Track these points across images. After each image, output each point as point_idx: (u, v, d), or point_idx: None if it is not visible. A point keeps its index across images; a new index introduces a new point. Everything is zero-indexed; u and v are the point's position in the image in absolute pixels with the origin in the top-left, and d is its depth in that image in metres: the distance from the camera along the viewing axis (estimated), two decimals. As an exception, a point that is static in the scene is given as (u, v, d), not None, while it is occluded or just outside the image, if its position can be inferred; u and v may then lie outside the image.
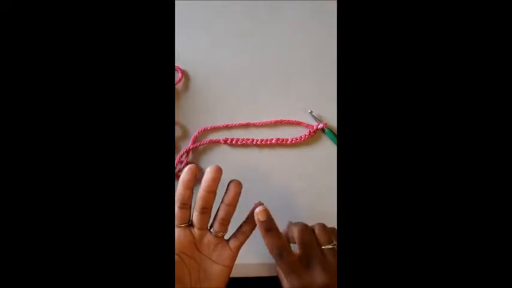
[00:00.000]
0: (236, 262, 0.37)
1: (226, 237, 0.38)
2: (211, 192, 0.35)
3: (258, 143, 0.47)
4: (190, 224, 0.37)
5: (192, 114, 0.48)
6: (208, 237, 0.36)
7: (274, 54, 0.50)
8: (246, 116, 0.48)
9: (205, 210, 0.36)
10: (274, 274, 0.41)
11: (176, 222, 0.36)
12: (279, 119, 0.48)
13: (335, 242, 0.37)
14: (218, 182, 0.35)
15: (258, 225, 0.36)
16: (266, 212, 0.36)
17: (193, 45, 0.50)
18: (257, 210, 0.36)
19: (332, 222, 0.39)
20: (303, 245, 0.36)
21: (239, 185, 0.36)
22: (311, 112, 0.48)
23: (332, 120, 0.48)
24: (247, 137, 0.47)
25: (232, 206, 0.36)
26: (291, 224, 0.39)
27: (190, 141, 0.47)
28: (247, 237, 0.37)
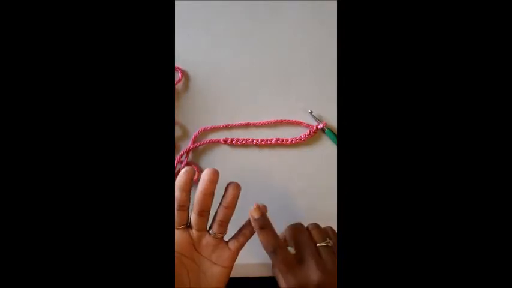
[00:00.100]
0: (236, 262, 0.37)
1: (226, 238, 0.38)
2: (208, 194, 0.35)
3: (258, 143, 0.47)
4: (188, 226, 0.37)
5: (192, 114, 0.48)
6: (207, 239, 0.36)
7: (274, 54, 0.50)
8: (246, 116, 0.48)
9: (203, 212, 0.35)
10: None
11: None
12: (279, 119, 0.48)
13: (329, 240, 0.37)
14: (215, 185, 0.35)
15: (252, 223, 0.36)
16: (260, 209, 0.36)
17: (193, 45, 0.50)
18: (251, 208, 0.36)
19: (332, 222, 0.39)
20: (297, 242, 0.37)
21: (237, 187, 0.36)
22: (311, 112, 0.48)
23: (332, 120, 0.48)
24: (247, 137, 0.47)
25: (231, 208, 0.36)
26: (287, 226, 0.39)
27: (190, 141, 0.47)
28: (248, 238, 0.37)
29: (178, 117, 0.48)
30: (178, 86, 0.49)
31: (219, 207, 0.36)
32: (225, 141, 0.47)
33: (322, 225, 0.40)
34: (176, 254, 0.35)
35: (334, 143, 0.48)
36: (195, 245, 0.36)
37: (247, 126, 0.48)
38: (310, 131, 0.47)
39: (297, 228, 0.38)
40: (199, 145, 0.47)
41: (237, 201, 0.36)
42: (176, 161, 0.47)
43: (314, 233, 0.38)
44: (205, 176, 0.35)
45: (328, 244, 0.37)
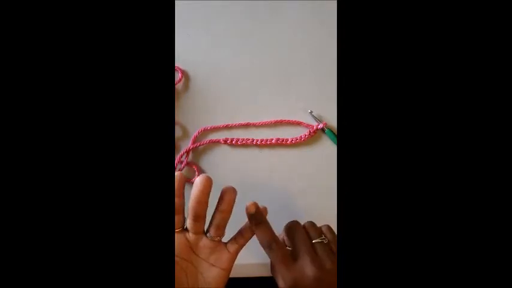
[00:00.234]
0: (236, 262, 0.37)
1: (226, 239, 0.38)
2: (201, 203, 0.34)
3: (258, 143, 0.47)
4: (185, 229, 0.37)
5: (192, 114, 0.48)
6: (204, 241, 0.36)
7: (274, 54, 0.50)
8: (246, 116, 0.48)
9: (198, 218, 0.35)
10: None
11: None
12: (279, 119, 0.48)
13: (324, 237, 0.38)
14: (208, 193, 0.35)
15: (248, 218, 0.36)
16: (256, 205, 0.36)
17: (193, 45, 0.50)
18: (247, 203, 0.36)
19: (332, 222, 0.39)
20: (293, 239, 0.37)
21: (233, 192, 0.36)
22: (311, 112, 0.48)
23: (332, 120, 0.48)
24: (247, 137, 0.47)
25: (227, 212, 0.36)
26: (284, 225, 0.39)
27: (190, 141, 0.47)
28: (247, 240, 0.37)
29: (178, 117, 0.48)
30: (178, 86, 0.49)
31: (215, 211, 0.36)
32: (225, 141, 0.47)
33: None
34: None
35: (334, 143, 0.48)
36: (192, 248, 0.36)
37: (247, 126, 0.48)
38: (310, 131, 0.47)
39: (293, 226, 0.38)
40: (199, 145, 0.47)
41: (233, 205, 0.36)
42: (176, 161, 0.47)
43: (310, 230, 0.38)
44: (198, 184, 0.34)
45: (324, 241, 0.37)
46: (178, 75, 0.48)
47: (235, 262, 0.37)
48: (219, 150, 0.48)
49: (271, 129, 0.48)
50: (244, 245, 0.37)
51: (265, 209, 0.37)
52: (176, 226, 0.36)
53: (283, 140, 0.47)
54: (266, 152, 0.48)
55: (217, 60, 0.50)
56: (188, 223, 0.36)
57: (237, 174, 0.47)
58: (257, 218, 0.36)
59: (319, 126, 0.47)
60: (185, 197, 0.36)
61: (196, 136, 0.47)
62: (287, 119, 0.48)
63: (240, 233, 0.37)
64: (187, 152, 0.47)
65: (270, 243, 0.36)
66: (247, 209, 0.36)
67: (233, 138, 0.47)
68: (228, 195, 0.35)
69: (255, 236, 0.37)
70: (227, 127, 0.48)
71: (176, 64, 0.48)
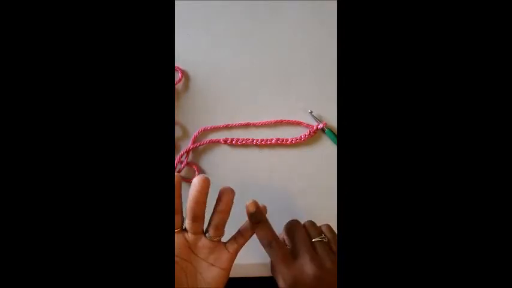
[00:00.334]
0: (236, 262, 0.37)
1: (224, 239, 0.38)
2: (199, 203, 0.34)
3: (258, 143, 0.47)
4: (184, 230, 0.37)
5: (192, 114, 0.48)
6: (203, 241, 0.36)
7: (274, 54, 0.50)
8: (246, 116, 0.48)
9: (197, 218, 0.35)
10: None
11: None
12: (279, 119, 0.48)
13: (324, 236, 0.38)
14: (206, 193, 0.35)
15: (248, 217, 0.36)
16: (256, 204, 0.36)
17: (193, 45, 0.50)
18: (247, 202, 0.36)
19: (332, 222, 0.39)
20: (292, 238, 0.37)
21: (231, 192, 0.35)
22: (311, 112, 0.48)
23: (332, 120, 0.48)
24: (247, 137, 0.47)
25: (225, 213, 0.36)
26: (284, 224, 0.39)
27: (190, 141, 0.47)
28: (247, 240, 0.37)
29: (178, 117, 0.48)
30: (178, 86, 0.49)
31: (213, 212, 0.36)
32: (225, 141, 0.47)
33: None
34: None
35: (334, 143, 0.48)
36: (191, 247, 0.36)
37: (247, 126, 0.48)
38: (310, 131, 0.47)
39: (292, 225, 0.38)
40: (199, 145, 0.47)
41: (231, 205, 0.36)
42: (176, 161, 0.47)
43: (310, 229, 0.38)
44: (195, 185, 0.34)
45: (324, 240, 0.37)
46: (178, 75, 0.48)
47: (235, 262, 0.37)
48: (219, 150, 0.48)
49: (271, 129, 0.48)
50: (243, 244, 0.37)
51: (265, 207, 0.37)
52: (176, 226, 0.36)
53: (283, 140, 0.47)
54: (266, 152, 0.48)
55: (217, 60, 0.50)
56: (187, 223, 0.36)
57: (237, 174, 0.47)
58: (257, 216, 0.36)
59: (319, 126, 0.47)
60: (183, 198, 0.36)
61: (196, 136, 0.47)
62: (287, 119, 0.48)
63: (240, 232, 0.37)
64: (187, 152, 0.47)
65: (270, 241, 0.36)
66: (247, 207, 0.36)
67: (233, 138, 0.47)
68: (225, 196, 0.35)
69: (254, 236, 0.37)
70: (227, 127, 0.48)
71: (176, 64, 0.48)
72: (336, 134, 0.48)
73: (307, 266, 0.35)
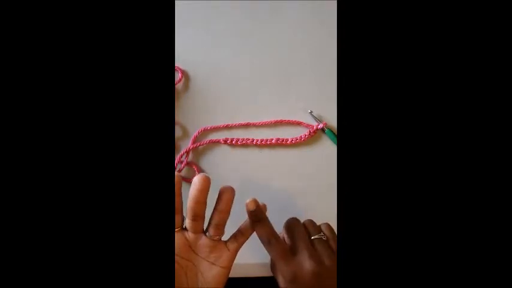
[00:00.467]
0: (236, 262, 0.37)
1: (225, 238, 0.38)
2: (200, 202, 0.35)
3: (258, 143, 0.47)
4: (184, 229, 0.37)
5: (192, 114, 0.48)
6: (204, 240, 0.36)
7: (274, 54, 0.50)
8: (246, 116, 0.48)
9: (197, 217, 0.35)
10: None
11: None
12: (279, 119, 0.48)
13: (322, 234, 0.38)
14: (206, 192, 0.35)
15: (248, 215, 0.37)
16: (256, 202, 0.36)
17: (193, 45, 0.50)
18: (247, 201, 0.36)
19: (332, 221, 0.39)
20: (292, 235, 0.38)
21: (231, 191, 0.36)
22: (311, 112, 0.48)
23: (332, 120, 0.48)
24: (247, 137, 0.47)
25: (225, 212, 0.36)
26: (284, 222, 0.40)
27: (190, 141, 0.47)
28: (247, 238, 0.37)
29: (178, 117, 0.48)
30: (178, 86, 0.49)
31: (213, 211, 0.36)
32: (225, 141, 0.47)
33: (322, 225, 0.40)
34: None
35: (334, 143, 0.48)
36: (191, 246, 0.36)
37: (247, 126, 0.48)
38: (310, 131, 0.47)
39: (292, 222, 0.39)
40: (199, 145, 0.47)
41: (231, 204, 0.36)
42: (176, 161, 0.47)
43: (309, 227, 0.39)
44: (196, 184, 0.34)
45: (322, 237, 0.37)
46: (178, 75, 0.48)
47: (235, 262, 0.37)
48: (219, 150, 0.48)
49: (271, 129, 0.48)
50: (243, 243, 0.37)
51: (264, 206, 0.37)
52: (176, 225, 0.36)
53: (283, 140, 0.47)
54: (266, 152, 0.48)
55: (217, 60, 0.50)
56: (187, 222, 0.36)
57: (237, 174, 0.47)
58: (257, 214, 0.36)
59: (319, 126, 0.47)
60: (184, 197, 0.36)
61: (196, 136, 0.47)
62: (287, 119, 0.48)
63: (240, 231, 0.37)
64: (187, 152, 0.47)
65: (269, 238, 0.36)
66: (247, 205, 0.36)
67: (233, 138, 0.47)
68: (226, 195, 0.35)
69: (255, 236, 0.37)
70: (227, 127, 0.48)
71: (176, 64, 0.48)
72: (336, 134, 0.48)
73: (306, 263, 0.35)
